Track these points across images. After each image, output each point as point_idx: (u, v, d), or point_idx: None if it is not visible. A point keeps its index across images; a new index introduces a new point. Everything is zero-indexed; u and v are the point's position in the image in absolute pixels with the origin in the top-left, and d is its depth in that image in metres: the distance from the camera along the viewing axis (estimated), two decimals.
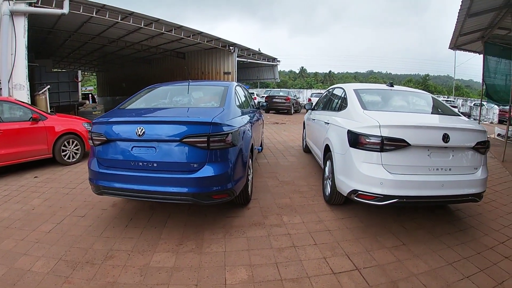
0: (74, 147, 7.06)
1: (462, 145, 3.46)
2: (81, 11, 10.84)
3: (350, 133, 3.65)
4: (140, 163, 3.36)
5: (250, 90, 29.53)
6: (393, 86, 4.99)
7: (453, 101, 29.33)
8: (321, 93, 24.03)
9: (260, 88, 39.10)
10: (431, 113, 4.41)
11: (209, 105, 4.30)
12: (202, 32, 15.46)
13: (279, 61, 22.55)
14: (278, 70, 25.04)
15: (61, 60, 25.02)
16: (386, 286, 2.65)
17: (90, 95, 22.29)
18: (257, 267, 2.91)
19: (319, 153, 5.27)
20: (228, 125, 3.48)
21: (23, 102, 6.81)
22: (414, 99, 4.88)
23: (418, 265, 2.95)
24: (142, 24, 13.08)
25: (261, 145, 7.56)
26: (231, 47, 17.64)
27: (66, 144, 6.91)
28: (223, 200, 3.45)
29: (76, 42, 17.73)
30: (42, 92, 11.48)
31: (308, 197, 4.66)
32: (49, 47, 18.69)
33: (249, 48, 19.17)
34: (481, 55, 12.01)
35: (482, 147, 3.52)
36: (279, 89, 25.55)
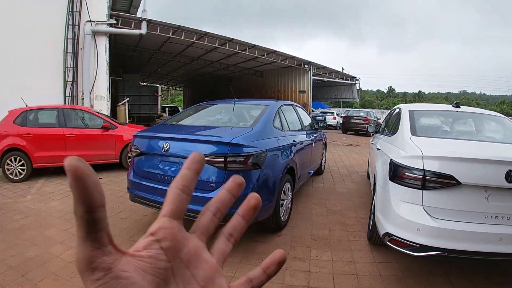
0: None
1: None
2: (158, 31, 11.88)
3: (391, 163, 3.03)
4: (165, 177, 3.53)
5: (330, 110, 28.84)
6: (459, 107, 4.09)
7: None
8: None
9: (342, 107, 37.98)
10: (498, 142, 3.45)
11: (241, 125, 4.23)
12: (276, 51, 15.64)
13: (358, 79, 21.57)
14: (360, 88, 23.99)
15: (149, 75, 28.24)
16: None
17: (167, 108, 24.43)
18: None
19: (372, 183, 4.58)
20: (251, 147, 3.35)
21: (97, 112, 7.90)
22: (484, 123, 4.02)
23: None
24: (217, 44, 13.81)
25: (322, 168, 7.18)
26: (306, 66, 17.46)
27: None
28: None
29: (160, 60, 19.53)
30: (122, 103, 12.89)
31: (350, 231, 4.10)
32: (137, 63, 21.01)
33: (326, 67, 18.75)
34: None
35: None
36: (359, 109, 24.44)
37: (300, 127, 5.40)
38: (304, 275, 3.04)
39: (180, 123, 4.47)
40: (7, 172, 6.39)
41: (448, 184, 2.59)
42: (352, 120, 19.76)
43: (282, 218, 4.01)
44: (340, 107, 38.10)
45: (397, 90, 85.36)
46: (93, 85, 10.05)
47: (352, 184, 6.67)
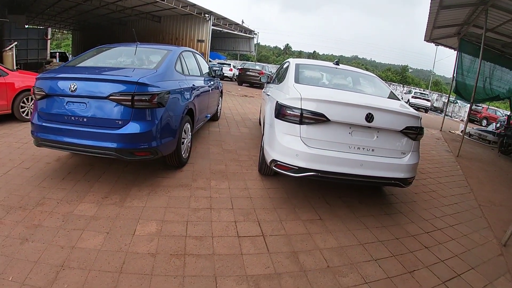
0: (32, 104, 6.81)
1: (388, 128, 3.40)
2: None
3: (277, 104, 3.65)
4: (73, 118, 3.50)
5: (228, 62, 28.95)
6: (338, 65, 5.00)
7: (427, 94, 29.89)
8: None
9: (240, 60, 38.37)
10: (365, 94, 4.26)
11: (145, 67, 4.29)
12: None
13: (256, 33, 22.09)
14: (258, 43, 24.62)
15: (36, 16, 23.50)
16: (285, 256, 2.72)
17: (58, 53, 21.40)
18: (168, 223, 3.03)
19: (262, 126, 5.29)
20: (156, 87, 3.54)
21: None
22: (357, 80, 4.88)
23: (327, 240, 3.00)
24: None
25: (218, 115, 7.59)
26: (206, 15, 17.05)
27: (26, 101, 6.78)
28: (145, 157, 3.60)
29: None
30: (9, 49, 11.38)
31: (244, 166, 4.75)
32: (24, 1, 17.39)
33: (226, 18, 18.64)
34: (456, 51, 11.91)
35: (412, 132, 3.49)
36: (255, 63, 25.17)
37: (199, 74, 5.65)
38: (206, 200, 3.59)
39: (83, 64, 4.28)
40: None
41: (319, 121, 3.31)
42: (248, 73, 20.35)
43: (184, 155, 4.37)
44: (237, 60, 38.47)
45: (294, 49, 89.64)
46: None
47: (245, 129, 7.33)
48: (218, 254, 2.66)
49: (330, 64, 5.06)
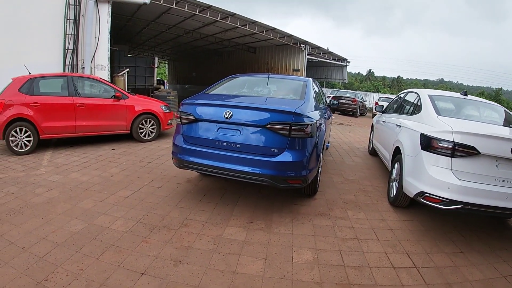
0: (150, 126, 7.73)
1: None
2: (161, 1, 11.55)
3: (422, 136, 3.71)
4: (225, 143, 3.65)
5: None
6: (467, 96, 4.93)
7: None
8: (389, 97, 23.05)
9: (325, 87, 38.25)
10: (503, 125, 4.26)
11: (289, 97, 4.46)
12: (275, 28, 15.61)
13: (348, 61, 21.90)
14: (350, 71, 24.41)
15: (136, 46, 26.67)
16: (441, 287, 2.68)
17: (163, 81, 23.78)
18: (322, 252, 3.05)
19: (387, 155, 5.26)
20: (308, 117, 3.67)
21: (108, 82, 7.62)
22: (486, 110, 4.81)
23: (473, 273, 2.95)
24: (218, 18, 13.56)
25: (328, 142, 7.55)
26: (302, 45, 17.55)
27: (144, 123, 7.63)
28: (296, 186, 3.67)
29: (153, 31, 18.83)
30: (121, 74, 12.31)
31: (372, 196, 4.67)
32: (127, 34, 20.11)
33: (320, 47, 18.89)
34: None
35: None
36: (346, 90, 24.81)
37: (323, 101, 5.85)
38: (350, 230, 3.57)
39: (225, 92, 4.60)
40: (12, 144, 5.99)
41: (470, 154, 3.32)
42: (341, 101, 20.19)
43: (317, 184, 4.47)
44: (323, 87, 38.28)
45: (376, 74, 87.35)
46: (94, 54, 9.73)
47: (358, 158, 7.19)
48: (381, 285, 2.61)
49: (458, 94, 5.09)
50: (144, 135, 7.66)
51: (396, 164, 4.43)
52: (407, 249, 3.23)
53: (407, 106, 5.40)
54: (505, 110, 4.75)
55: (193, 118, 3.83)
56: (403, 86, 74.47)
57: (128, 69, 12.69)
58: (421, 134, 3.74)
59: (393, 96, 27.79)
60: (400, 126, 4.74)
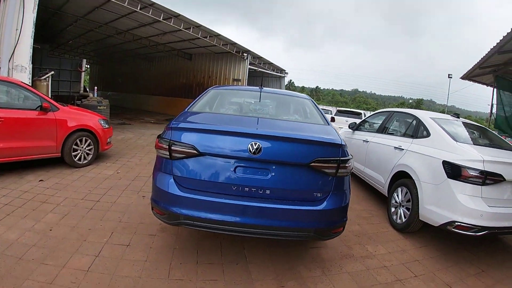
0: (86, 146, 6.11)
1: None
2: None
3: (448, 164, 3.75)
4: (246, 189, 2.68)
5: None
6: (459, 118, 5.06)
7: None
8: (325, 109, 23.65)
9: None
10: (509, 150, 4.34)
11: (315, 121, 3.61)
12: (219, 35, 14.77)
13: (287, 73, 21.92)
14: (290, 81, 24.43)
15: (57, 46, 23.09)
16: None
17: (86, 87, 20.94)
18: None
19: (379, 178, 5.03)
20: (347, 150, 2.91)
21: (32, 87, 5.75)
22: (479, 132, 4.92)
23: None
24: (161, 18, 12.20)
25: None
26: (244, 54, 16.94)
27: (78, 142, 5.95)
28: (337, 234, 2.91)
29: (79, 29, 16.36)
30: (44, 78, 10.07)
31: (375, 223, 4.53)
32: (50, 31, 17.11)
33: (261, 57, 18.56)
34: (488, 87, 13.96)
35: None
36: None
37: None
38: (385, 270, 3.35)
39: (224, 112, 3.68)
40: None
41: (497, 181, 3.51)
42: None
43: None
44: None
45: (296, 84, 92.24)
46: (14, 50, 7.53)
47: None
48: None
49: (450, 117, 5.08)
50: (79, 159, 6.04)
51: (399, 189, 4.35)
52: (445, 280, 3.25)
53: (400, 128, 5.38)
54: (491, 131, 5.19)
55: (195, 152, 2.70)
56: (321, 96, 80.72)
57: (52, 72, 10.47)
58: (445, 161, 3.79)
59: (330, 108, 29.10)
60: (402, 149, 4.58)
